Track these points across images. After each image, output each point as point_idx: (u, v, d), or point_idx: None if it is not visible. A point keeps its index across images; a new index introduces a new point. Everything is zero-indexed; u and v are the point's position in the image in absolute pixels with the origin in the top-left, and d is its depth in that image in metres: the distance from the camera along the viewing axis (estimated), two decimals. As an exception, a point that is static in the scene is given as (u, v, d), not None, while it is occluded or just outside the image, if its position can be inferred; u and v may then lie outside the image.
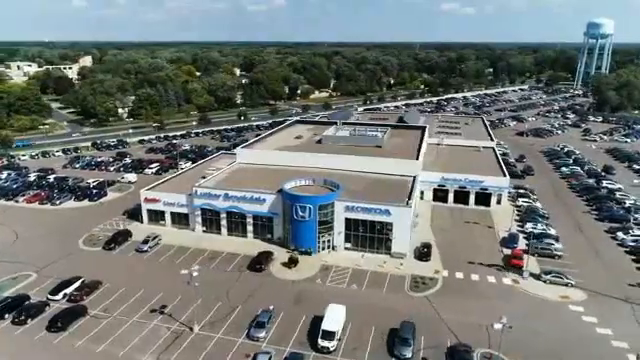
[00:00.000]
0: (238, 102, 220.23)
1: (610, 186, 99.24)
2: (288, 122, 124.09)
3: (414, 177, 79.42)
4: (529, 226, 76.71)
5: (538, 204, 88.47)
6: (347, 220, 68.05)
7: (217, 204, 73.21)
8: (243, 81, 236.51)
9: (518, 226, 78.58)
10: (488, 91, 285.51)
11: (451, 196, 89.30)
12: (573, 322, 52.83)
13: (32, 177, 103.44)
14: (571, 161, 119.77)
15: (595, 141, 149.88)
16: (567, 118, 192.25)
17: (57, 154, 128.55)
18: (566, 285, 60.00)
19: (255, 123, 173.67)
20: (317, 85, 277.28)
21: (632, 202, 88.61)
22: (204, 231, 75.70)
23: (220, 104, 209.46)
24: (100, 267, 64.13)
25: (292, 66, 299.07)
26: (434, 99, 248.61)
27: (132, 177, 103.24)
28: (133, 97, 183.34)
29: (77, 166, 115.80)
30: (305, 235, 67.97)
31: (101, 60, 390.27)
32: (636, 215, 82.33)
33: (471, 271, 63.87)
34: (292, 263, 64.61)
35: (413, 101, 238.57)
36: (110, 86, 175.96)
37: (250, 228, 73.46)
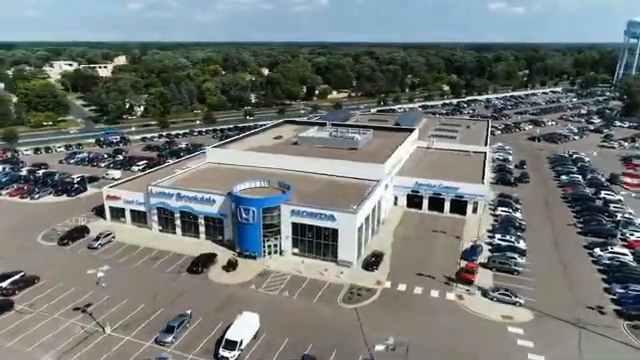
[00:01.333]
0: (253, 101, 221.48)
1: (609, 197, 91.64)
2: (276, 122, 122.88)
3: (377, 181, 76.09)
4: (497, 237, 71.77)
5: (518, 214, 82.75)
6: (294, 224, 65.85)
7: (171, 203, 72.85)
8: (260, 81, 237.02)
9: (489, 237, 73.73)
10: (516, 93, 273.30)
11: (425, 202, 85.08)
12: (504, 345, 48.44)
13: (24, 171, 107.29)
14: (575, 169, 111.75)
15: (613, 147, 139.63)
16: (591, 123, 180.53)
17: (59, 149, 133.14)
18: (514, 304, 55.32)
19: (261, 123, 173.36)
20: (338, 85, 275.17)
21: (626, 215, 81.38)
22: (160, 230, 75.59)
23: (234, 103, 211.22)
24: (45, 262, 65.05)
25: (316, 66, 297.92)
26: (454, 101, 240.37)
27: (116, 174, 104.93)
28: (146, 95, 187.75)
29: (72, 162, 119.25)
30: (250, 238, 66.30)
31: (140, 60, 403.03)
32: (624, 230, 75.38)
33: (417, 284, 60.15)
34: (230, 267, 63.21)
35: (431, 103, 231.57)
36: (124, 84, 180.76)
37: (202, 229, 72.65)
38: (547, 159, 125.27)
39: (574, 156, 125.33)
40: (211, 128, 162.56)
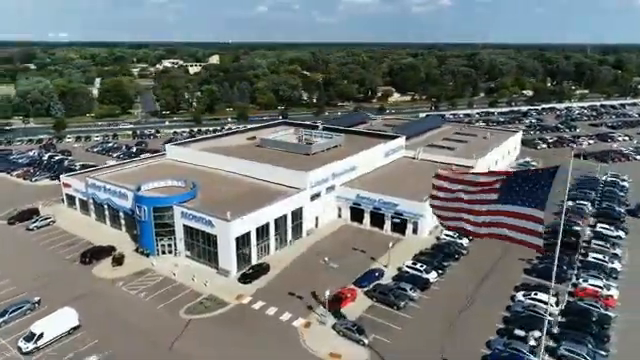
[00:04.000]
0: (305, 101, 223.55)
1: (606, 232, 75.25)
2: (273, 122, 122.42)
3: (299, 190, 72.03)
4: (405, 265, 63.36)
5: (464, 240, 71.78)
6: (186, 227, 65.19)
7: (100, 195, 76.83)
8: (317, 81, 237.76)
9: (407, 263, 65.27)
10: (609, 102, 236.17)
11: (367, 217, 78.09)
12: (298, 387, 42.66)
13: (45, 157, 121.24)
14: (593, 194, 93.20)
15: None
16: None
17: (96, 139, 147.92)
18: (357, 342, 48.40)
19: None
20: (407, 88, 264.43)
21: (601, 256, 66.07)
22: (96, 220, 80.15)
23: (284, 102, 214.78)
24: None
25: (390, 67, 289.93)
26: (524, 108, 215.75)
27: (111, 163, 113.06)
28: (199, 93, 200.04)
29: (94, 151, 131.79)
30: (145, 236, 67.30)
31: (239, 59, 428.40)
32: (583, 274, 61.35)
33: (278, 304, 55.64)
34: (115, 262, 64.65)
35: (494, 109, 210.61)
36: (178, 82, 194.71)
37: (122, 222, 75.36)
38: (575, 179, 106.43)
39: (610, 179, 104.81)
40: (242, 126, 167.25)
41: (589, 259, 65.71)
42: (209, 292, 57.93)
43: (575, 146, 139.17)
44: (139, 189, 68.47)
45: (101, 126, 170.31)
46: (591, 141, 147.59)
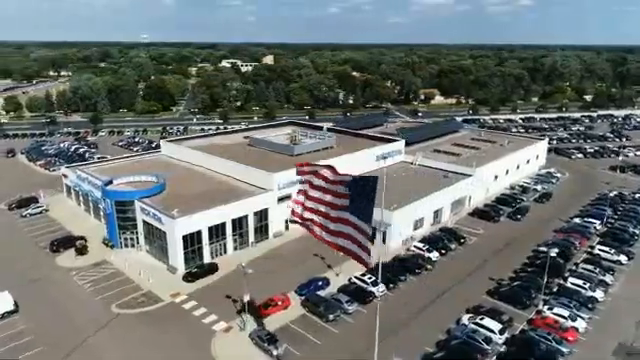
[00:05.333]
0: (342, 102, 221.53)
1: (604, 254, 66.89)
2: (278, 122, 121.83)
3: (265, 190, 70.93)
4: (354, 276, 59.97)
5: (433, 254, 66.67)
6: (144, 222, 66.31)
7: (84, 187, 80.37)
8: (357, 82, 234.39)
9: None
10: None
11: (340, 223, 74.98)
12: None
13: (72, 148, 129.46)
14: (608, 212, 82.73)
15: None
16: None
17: (127, 133, 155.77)
18: (266, 352, 46.39)
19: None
20: (450, 90, 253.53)
21: (577, 283, 58.51)
22: (85, 210, 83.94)
23: (320, 103, 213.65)
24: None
25: (440, 68, 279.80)
26: (577, 114, 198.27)
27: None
28: (234, 92, 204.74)
29: (119, 145, 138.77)
30: (110, 228, 69.31)
31: (296, 58, 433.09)
32: (552, 302, 54.66)
33: (208, 305, 54.81)
34: (77, 252, 66.99)
35: (540, 115, 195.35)
36: (212, 81, 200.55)
37: (102, 213, 78.07)
38: (597, 194, 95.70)
39: (639, 195, 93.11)
40: (266, 124, 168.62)
41: (567, 284, 58.44)
42: (148, 288, 58.40)
43: (628, 157, 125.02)
44: (110, 182, 70.70)
45: (136, 121, 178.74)
46: (639, 152, 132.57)
